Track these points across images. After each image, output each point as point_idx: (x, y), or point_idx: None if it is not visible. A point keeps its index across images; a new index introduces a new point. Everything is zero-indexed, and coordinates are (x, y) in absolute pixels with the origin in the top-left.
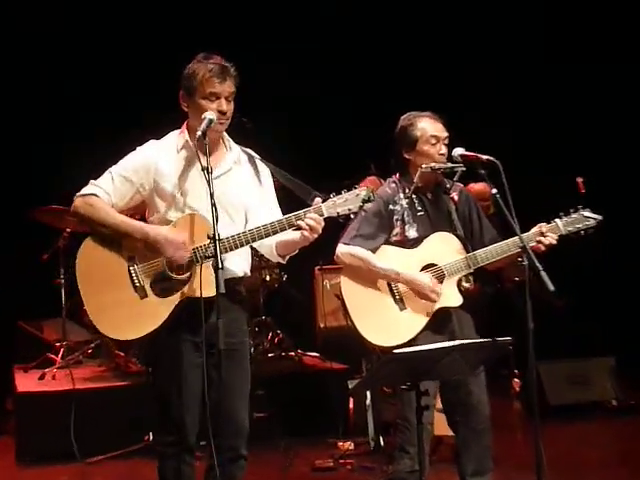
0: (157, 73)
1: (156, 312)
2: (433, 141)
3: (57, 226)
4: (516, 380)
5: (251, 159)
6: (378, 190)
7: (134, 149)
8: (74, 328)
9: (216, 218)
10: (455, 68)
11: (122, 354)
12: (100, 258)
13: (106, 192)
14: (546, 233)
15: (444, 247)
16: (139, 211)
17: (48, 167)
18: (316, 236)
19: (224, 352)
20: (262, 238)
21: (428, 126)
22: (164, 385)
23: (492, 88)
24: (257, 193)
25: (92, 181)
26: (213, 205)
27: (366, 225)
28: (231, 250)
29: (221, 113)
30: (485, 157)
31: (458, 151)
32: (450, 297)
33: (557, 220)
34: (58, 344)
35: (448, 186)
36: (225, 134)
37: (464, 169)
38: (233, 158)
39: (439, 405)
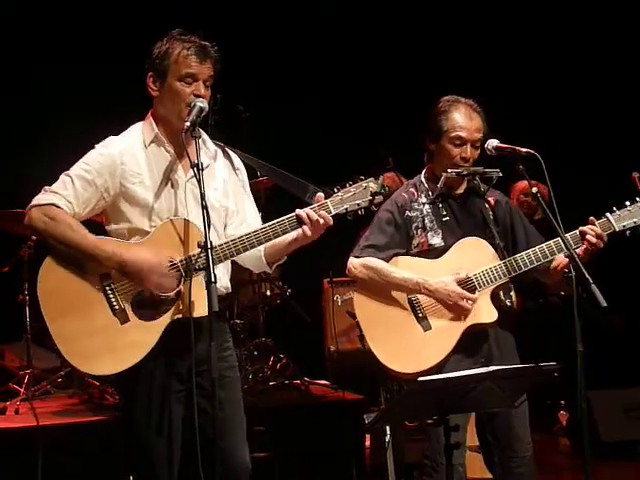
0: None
1: (141, 339)
2: (457, 142)
3: (19, 233)
4: (563, 412)
5: (225, 153)
6: (394, 194)
7: (92, 147)
8: (40, 353)
9: (208, 224)
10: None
11: (97, 383)
12: (67, 277)
13: (67, 201)
14: (593, 229)
15: (474, 254)
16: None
17: (8, 165)
18: (317, 236)
19: (223, 381)
20: (261, 243)
21: (459, 121)
22: (140, 423)
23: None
24: (237, 193)
25: (46, 188)
26: (204, 208)
27: (378, 234)
28: (225, 260)
29: (197, 97)
30: (524, 150)
31: (492, 143)
32: (483, 312)
33: (608, 214)
34: (22, 372)
35: (483, 189)
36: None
37: (500, 175)
38: (209, 153)
39: (472, 442)
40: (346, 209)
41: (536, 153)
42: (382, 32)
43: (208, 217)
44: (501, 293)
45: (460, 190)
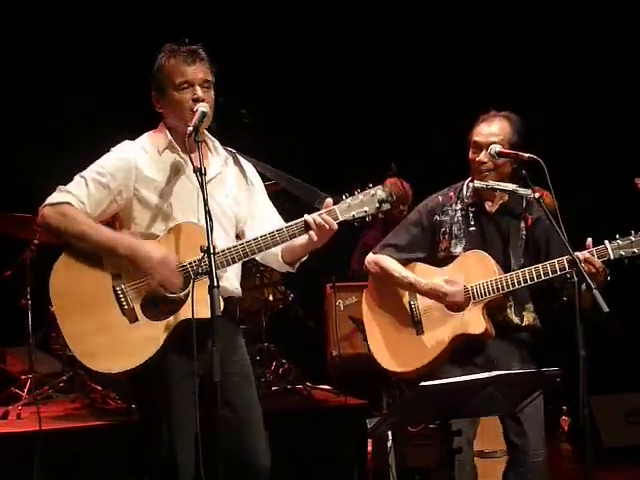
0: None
1: (150, 338)
2: (474, 147)
3: (22, 237)
4: (564, 417)
5: (235, 158)
6: (430, 197)
7: (107, 150)
8: (43, 358)
9: (211, 228)
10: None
11: (99, 388)
12: (79, 276)
13: (80, 200)
14: (582, 254)
15: (476, 267)
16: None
17: (10, 169)
18: (324, 241)
19: (234, 383)
20: (269, 248)
21: (476, 128)
22: (155, 423)
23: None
24: (248, 198)
25: (61, 187)
26: (207, 213)
27: (403, 234)
28: (231, 264)
29: (196, 101)
30: (527, 155)
31: (494, 148)
32: (471, 323)
33: (606, 242)
34: (24, 377)
35: (525, 209)
36: (206, 132)
37: (532, 195)
38: (221, 160)
39: (477, 447)
40: (353, 216)
41: (539, 158)
42: (383, 32)
43: (211, 221)
44: (511, 310)
45: (494, 206)
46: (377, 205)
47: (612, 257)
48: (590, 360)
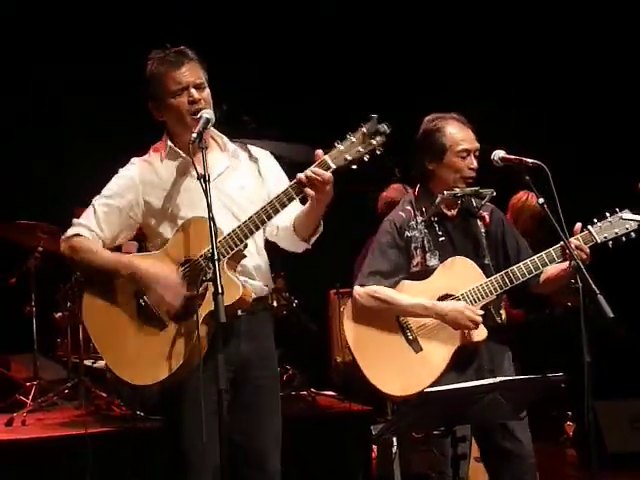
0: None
1: (182, 338)
2: (464, 154)
3: (27, 244)
4: (569, 423)
5: (247, 150)
6: (391, 214)
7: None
8: (47, 364)
9: (215, 232)
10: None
11: (104, 395)
12: (106, 306)
13: (90, 229)
14: (571, 241)
15: (461, 273)
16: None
17: (14, 178)
18: (325, 197)
19: (254, 388)
20: (271, 216)
21: (459, 135)
22: (179, 419)
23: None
24: (262, 186)
25: (75, 220)
26: (211, 219)
27: (383, 260)
28: (240, 242)
29: (193, 103)
30: (531, 161)
31: (498, 154)
32: (473, 331)
33: (589, 227)
34: (29, 383)
35: (477, 207)
36: (213, 129)
37: (494, 195)
38: (229, 154)
39: (477, 453)
40: (346, 159)
41: (542, 164)
42: (383, 33)
43: (215, 226)
44: (492, 310)
45: (454, 211)
46: (371, 141)
47: (599, 241)
48: (595, 366)
